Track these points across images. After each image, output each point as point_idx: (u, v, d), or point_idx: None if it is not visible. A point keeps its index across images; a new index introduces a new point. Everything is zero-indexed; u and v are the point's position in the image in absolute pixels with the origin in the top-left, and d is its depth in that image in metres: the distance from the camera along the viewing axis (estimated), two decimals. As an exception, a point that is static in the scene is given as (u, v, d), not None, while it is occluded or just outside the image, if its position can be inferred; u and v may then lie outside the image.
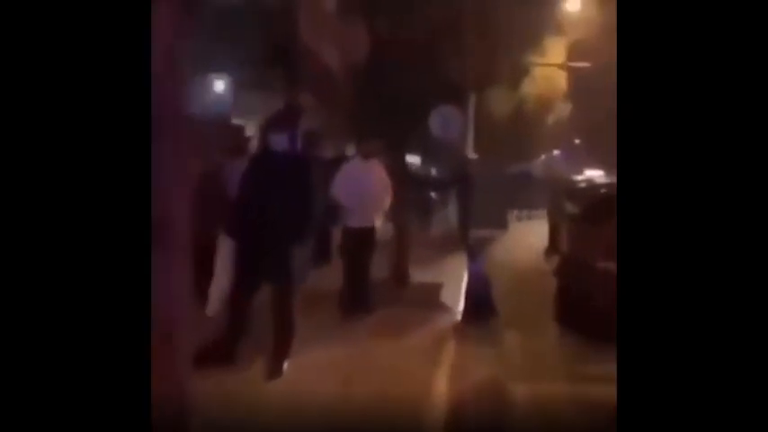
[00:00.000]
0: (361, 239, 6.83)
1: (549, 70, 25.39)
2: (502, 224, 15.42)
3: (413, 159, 21.39)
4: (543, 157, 31.32)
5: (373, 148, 7.22)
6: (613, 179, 11.52)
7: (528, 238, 13.82)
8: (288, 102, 4.88)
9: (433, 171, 15.83)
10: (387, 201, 7.09)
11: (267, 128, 4.57)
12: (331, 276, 7.09)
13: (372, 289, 7.00)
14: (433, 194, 14.26)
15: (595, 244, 6.45)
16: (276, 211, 4.35)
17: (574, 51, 25.09)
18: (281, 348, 4.59)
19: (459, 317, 7.03)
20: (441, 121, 14.01)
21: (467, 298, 7.06)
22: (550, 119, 28.07)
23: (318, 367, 4.87)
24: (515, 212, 18.86)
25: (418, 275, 8.73)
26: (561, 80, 26.42)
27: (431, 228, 13.71)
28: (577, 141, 40.56)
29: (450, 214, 14.21)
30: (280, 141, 4.49)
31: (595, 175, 27.34)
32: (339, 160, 7.85)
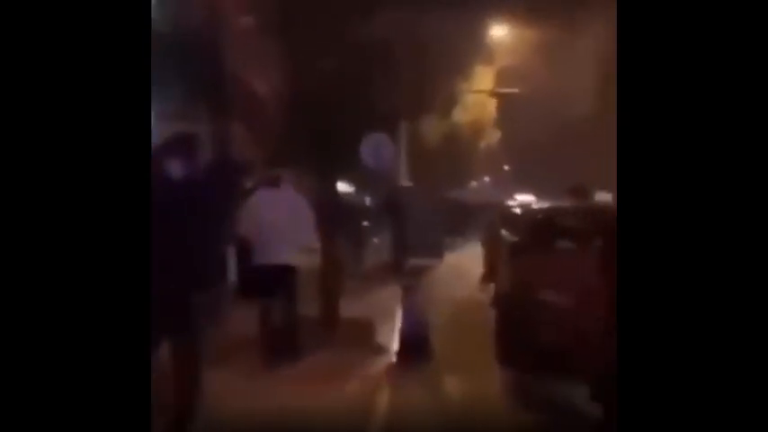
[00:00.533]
0: (275, 278, 6.16)
1: (480, 97, 25.52)
2: (437, 253, 15.06)
3: (345, 188, 20.97)
4: (475, 183, 31.41)
5: (275, 176, 6.56)
6: (545, 204, 11.28)
7: (464, 267, 13.49)
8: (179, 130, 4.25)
9: (367, 200, 15.37)
10: (305, 234, 6.45)
11: (159, 156, 3.86)
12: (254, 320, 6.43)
13: (298, 332, 6.37)
14: (365, 224, 13.78)
15: (534, 273, 6.06)
16: (169, 252, 3.62)
17: (503, 78, 25.29)
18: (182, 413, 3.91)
19: (393, 358, 6.49)
20: (372, 149, 13.62)
21: (402, 338, 6.54)
22: (482, 145, 28.22)
23: (235, 425, 4.35)
24: (450, 240, 18.54)
25: (350, 311, 8.14)
26: (491, 107, 26.61)
27: (364, 259, 13.19)
28: (506, 167, 41.08)
29: (383, 244, 13.77)
30: (173, 171, 3.86)
31: (527, 200, 27.56)
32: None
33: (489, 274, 10.60)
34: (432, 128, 24.28)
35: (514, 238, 8.50)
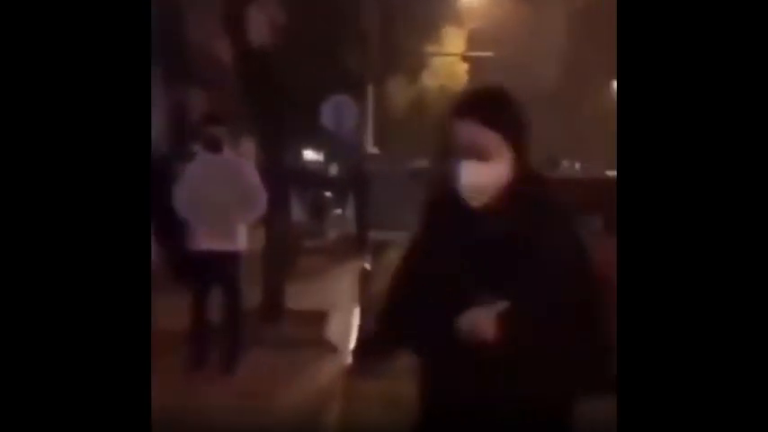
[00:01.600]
0: (214, 266, 5.04)
1: (450, 60, 24.43)
2: (404, 225, 14.05)
3: (312, 156, 19.83)
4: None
5: (218, 135, 5.20)
6: None
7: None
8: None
9: (330, 168, 14.28)
10: (253, 210, 5.30)
11: None
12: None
13: (239, 335, 5.24)
14: (327, 194, 12.71)
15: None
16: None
17: (474, 41, 24.14)
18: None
19: (347, 360, 5.48)
20: (333, 111, 12.54)
21: (358, 335, 5.54)
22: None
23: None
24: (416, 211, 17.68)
25: (300, 300, 7.03)
26: (461, 70, 25.47)
27: (325, 232, 12.19)
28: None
29: (347, 216, 12.75)
30: None
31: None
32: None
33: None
34: (399, 92, 23.22)
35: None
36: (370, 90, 20.17)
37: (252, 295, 5.88)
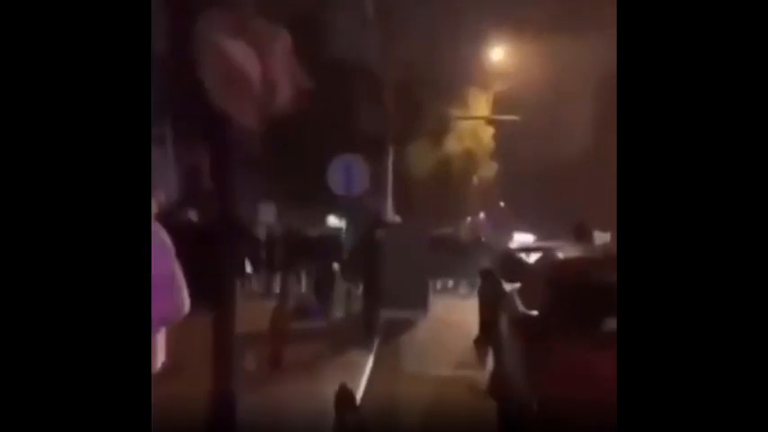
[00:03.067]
0: None
1: (475, 124, 23.35)
2: (420, 303, 12.56)
3: (334, 223, 18.50)
4: (469, 219, 28.88)
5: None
6: (549, 244, 8.73)
7: (453, 322, 10.94)
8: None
9: (342, 238, 12.91)
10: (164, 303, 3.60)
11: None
12: None
13: None
14: (335, 266, 11.30)
15: (541, 347, 3.77)
16: None
17: (500, 104, 23.07)
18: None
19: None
20: (341, 173, 11.32)
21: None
22: (476, 178, 25.89)
23: None
24: (437, 286, 15.99)
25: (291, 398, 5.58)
26: (487, 135, 24.36)
27: (332, 307, 10.72)
28: (502, 204, 38.45)
29: (355, 291, 11.26)
30: None
31: (527, 240, 25.26)
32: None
33: (485, 337, 8.10)
34: (421, 157, 22.06)
35: (516, 291, 6.08)
36: (391, 153, 19.06)
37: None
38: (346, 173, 10.80)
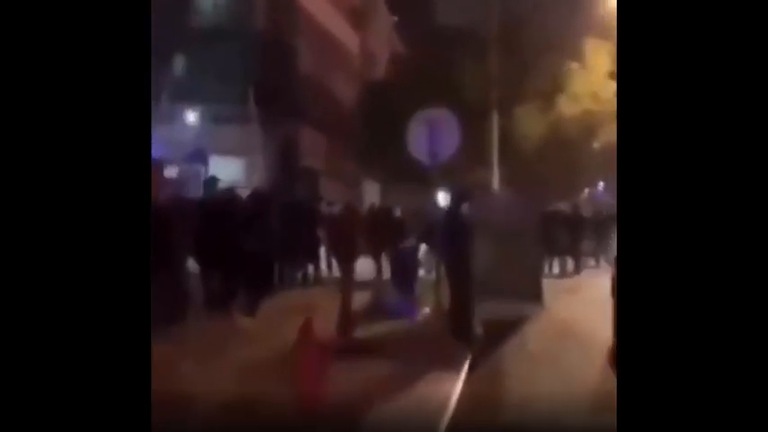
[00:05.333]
0: None
1: (594, 82, 20.08)
2: (533, 296, 9.79)
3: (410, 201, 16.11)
4: (587, 191, 25.41)
5: None
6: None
7: (578, 325, 8.18)
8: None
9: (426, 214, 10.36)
10: None
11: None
12: None
13: None
14: (421, 248, 8.82)
15: None
16: None
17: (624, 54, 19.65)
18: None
19: None
20: (423, 133, 8.86)
21: None
22: (596, 143, 22.51)
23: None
24: (553, 274, 13.14)
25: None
26: (608, 93, 20.96)
27: (413, 308, 8.27)
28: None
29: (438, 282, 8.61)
30: None
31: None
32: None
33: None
34: (531, 121, 19.14)
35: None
36: (495, 117, 16.40)
37: None
38: (429, 132, 8.30)
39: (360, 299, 8.19)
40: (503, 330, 7.60)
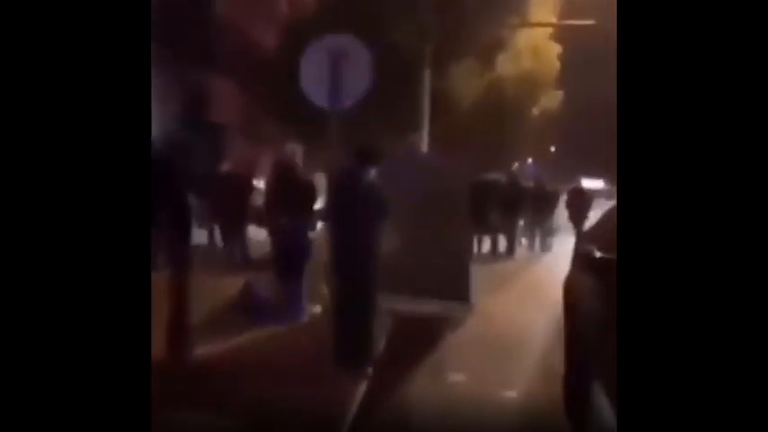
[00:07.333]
0: None
1: (537, 40, 18.20)
2: (458, 291, 7.40)
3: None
4: (516, 165, 23.49)
5: None
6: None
7: (513, 331, 6.22)
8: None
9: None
10: None
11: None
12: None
13: None
14: (318, 224, 6.60)
15: None
16: None
17: (569, 10, 17.66)
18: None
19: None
20: (322, 61, 6.58)
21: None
22: (536, 109, 20.72)
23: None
24: (482, 255, 11.21)
25: None
26: (552, 54, 19.12)
27: (301, 297, 6.10)
28: (552, 149, 32.80)
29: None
30: None
31: (596, 186, 20.38)
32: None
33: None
34: (467, 81, 17.13)
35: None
36: (428, 76, 14.37)
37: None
38: (331, 62, 6.07)
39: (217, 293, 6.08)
40: (419, 332, 5.70)
